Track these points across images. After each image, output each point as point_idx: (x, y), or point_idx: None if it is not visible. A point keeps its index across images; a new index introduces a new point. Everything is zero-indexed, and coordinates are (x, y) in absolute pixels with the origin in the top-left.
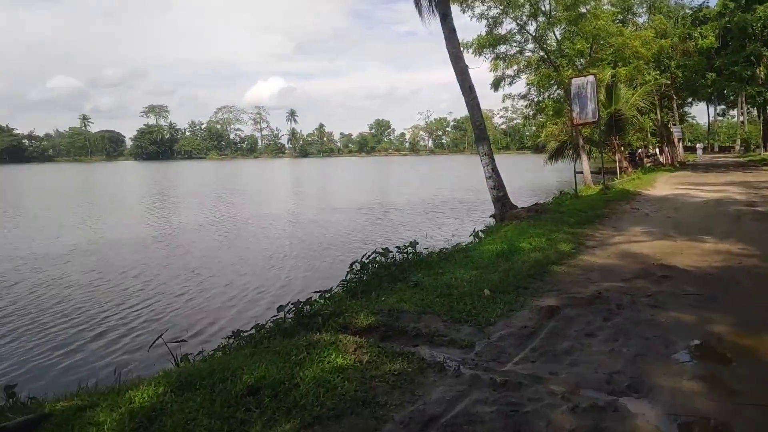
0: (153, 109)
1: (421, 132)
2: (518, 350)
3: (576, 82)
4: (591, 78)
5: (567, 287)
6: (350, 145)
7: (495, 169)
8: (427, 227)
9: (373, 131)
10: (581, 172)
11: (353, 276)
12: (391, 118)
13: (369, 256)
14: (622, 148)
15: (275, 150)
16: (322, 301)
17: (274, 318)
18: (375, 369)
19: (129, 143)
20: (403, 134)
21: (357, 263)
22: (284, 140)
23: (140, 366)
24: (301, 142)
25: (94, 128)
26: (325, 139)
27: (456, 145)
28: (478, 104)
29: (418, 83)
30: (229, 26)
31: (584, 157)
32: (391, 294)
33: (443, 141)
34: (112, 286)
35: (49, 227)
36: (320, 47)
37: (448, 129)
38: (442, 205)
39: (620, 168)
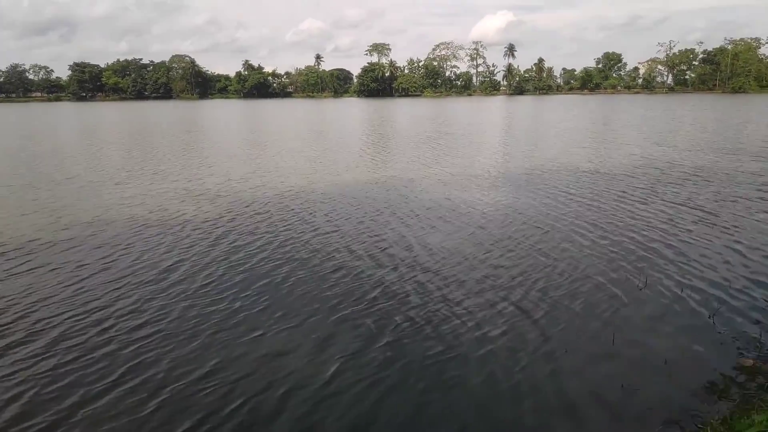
0: (376, 48)
1: (659, 66)
2: None
3: None
4: None
5: None
6: (572, 81)
7: None
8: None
9: (600, 66)
10: None
11: None
12: (626, 52)
13: None
14: None
15: (489, 87)
16: None
17: None
18: None
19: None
20: (636, 69)
21: None
22: (499, 77)
23: None
24: (517, 78)
25: (330, 66)
26: (544, 75)
27: (703, 82)
28: None
29: (666, 11)
30: None
31: None
32: None
33: (687, 77)
34: None
35: None
36: None
37: (695, 63)
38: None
39: None
